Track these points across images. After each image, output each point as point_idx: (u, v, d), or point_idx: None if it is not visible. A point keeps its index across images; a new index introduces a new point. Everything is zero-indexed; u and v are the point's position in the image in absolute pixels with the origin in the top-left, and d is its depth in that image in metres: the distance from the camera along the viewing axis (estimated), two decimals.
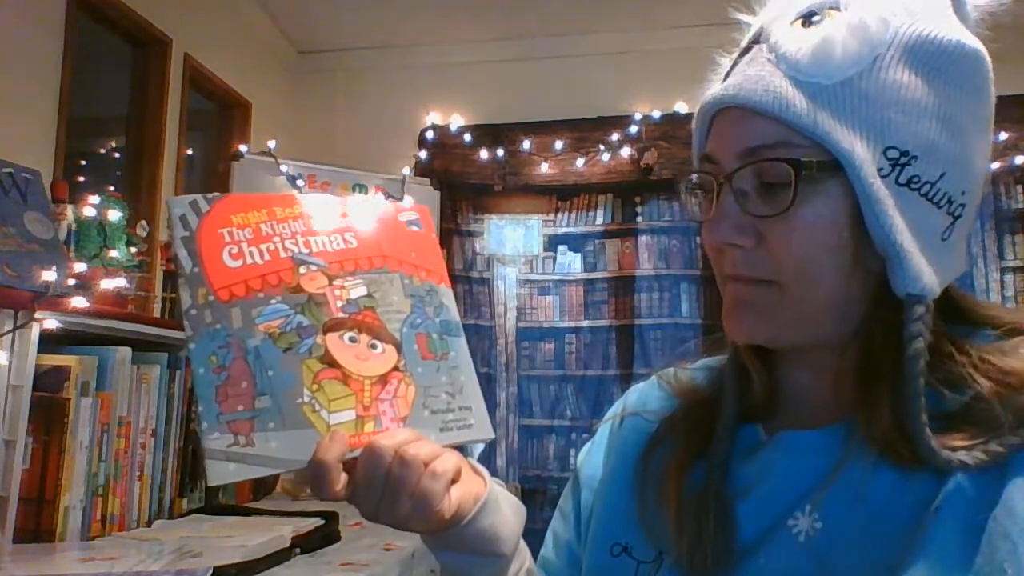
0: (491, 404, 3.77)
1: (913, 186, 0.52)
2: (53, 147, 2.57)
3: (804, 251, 0.53)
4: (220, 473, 0.50)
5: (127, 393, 1.36)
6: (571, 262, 3.93)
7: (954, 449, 0.50)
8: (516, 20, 3.92)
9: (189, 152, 3.31)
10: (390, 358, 0.57)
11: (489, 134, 3.93)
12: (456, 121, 3.90)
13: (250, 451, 0.51)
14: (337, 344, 0.55)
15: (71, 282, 1.36)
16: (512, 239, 3.92)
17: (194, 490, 1.62)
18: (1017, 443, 0.48)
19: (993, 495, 0.48)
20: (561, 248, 3.94)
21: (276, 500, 1.96)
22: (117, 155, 3.24)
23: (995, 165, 3.45)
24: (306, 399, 0.53)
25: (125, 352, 1.36)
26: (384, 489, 0.51)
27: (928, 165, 0.52)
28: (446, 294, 0.61)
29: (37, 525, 1.19)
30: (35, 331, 1.18)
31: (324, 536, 1.37)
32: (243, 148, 3.30)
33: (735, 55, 0.59)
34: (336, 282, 0.57)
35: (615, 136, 3.80)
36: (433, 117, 3.96)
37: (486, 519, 0.56)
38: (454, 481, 0.55)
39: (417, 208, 0.64)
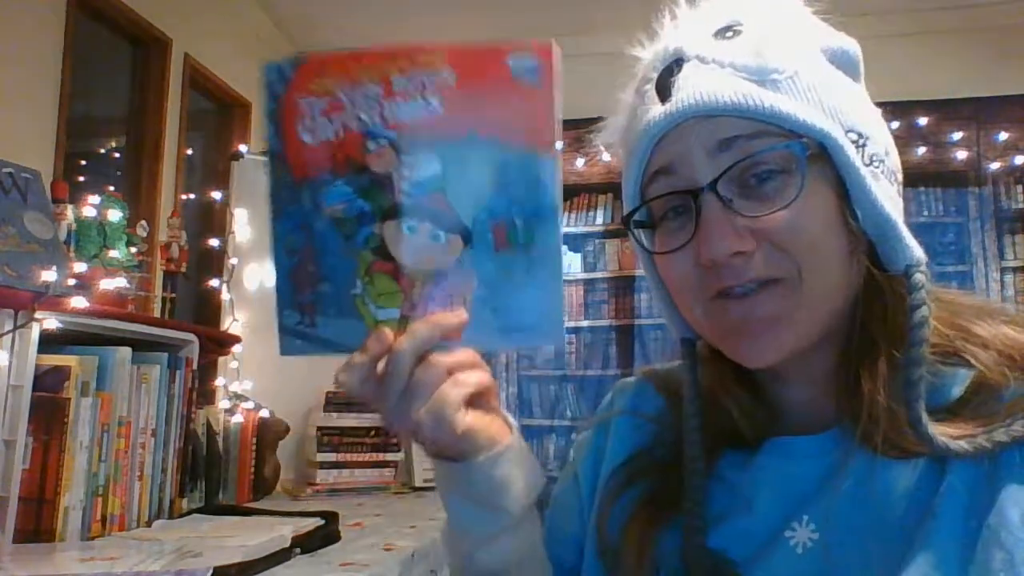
0: None
1: (875, 164, 0.53)
2: (53, 147, 2.56)
3: (812, 237, 0.51)
4: (289, 345, 0.53)
5: (127, 393, 1.36)
6: (571, 262, 3.93)
7: (952, 437, 0.49)
8: (516, 20, 3.92)
9: (189, 152, 3.30)
10: (454, 250, 0.51)
11: None
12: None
13: (313, 331, 0.53)
14: (393, 234, 0.51)
15: (71, 282, 1.36)
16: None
17: (194, 490, 1.62)
18: (1007, 440, 0.48)
19: (986, 496, 0.48)
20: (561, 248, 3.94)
21: (276, 500, 1.96)
22: (117, 155, 3.24)
23: (995, 165, 3.46)
24: (358, 290, 0.52)
25: (125, 352, 1.36)
26: (403, 392, 0.50)
27: (876, 144, 0.54)
28: (547, 166, 0.51)
29: (37, 525, 1.19)
30: (35, 331, 1.18)
31: (324, 536, 1.37)
32: (243, 148, 3.30)
33: (646, 83, 0.56)
34: (406, 158, 0.51)
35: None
36: None
37: (499, 469, 0.53)
38: (480, 405, 0.53)
39: (536, 48, 0.50)
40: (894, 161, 0.56)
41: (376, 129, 0.51)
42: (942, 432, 0.50)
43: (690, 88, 0.52)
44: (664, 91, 0.54)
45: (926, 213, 3.56)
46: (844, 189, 0.52)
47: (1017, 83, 3.38)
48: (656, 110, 0.54)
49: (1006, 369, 0.51)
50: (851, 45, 0.57)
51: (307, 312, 0.53)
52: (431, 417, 0.50)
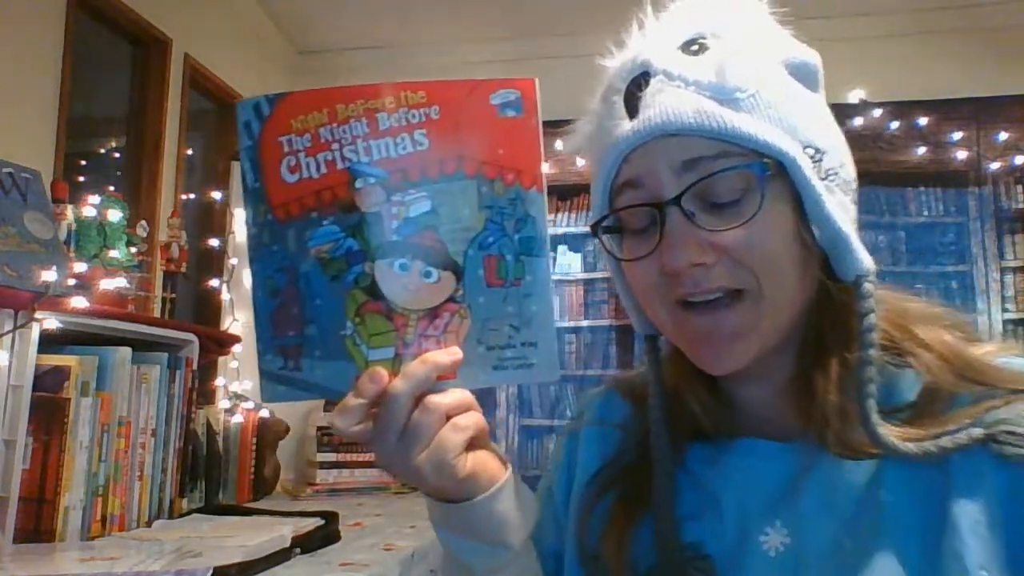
0: (491, 404, 3.77)
1: (830, 178, 0.56)
2: (53, 147, 2.56)
3: (770, 252, 0.54)
4: (271, 392, 0.52)
5: (127, 393, 1.36)
6: (571, 262, 3.92)
7: (901, 439, 0.52)
8: (516, 20, 3.92)
9: (189, 152, 3.30)
10: (445, 287, 0.51)
11: None
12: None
13: (297, 375, 0.51)
14: (385, 273, 0.50)
15: (71, 282, 1.37)
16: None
17: (194, 490, 1.62)
18: (951, 447, 0.51)
19: (936, 500, 0.51)
20: (561, 248, 3.94)
21: (276, 500, 1.96)
22: (117, 155, 3.23)
23: (995, 165, 3.45)
24: (348, 331, 0.51)
25: (125, 352, 1.36)
26: (401, 435, 0.49)
27: (831, 158, 0.56)
28: (535, 202, 0.52)
29: (37, 525, 1.19)
30: (35, 331, 1.18)
31: (324, 536, 1.37)
32: None
33: (614, 95, 0.58)
34: (395, 197, 0.50)
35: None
36: None
37: (500, 504, 0.53)
38: (474, 445, 0.53)
39: (517, 84, 0.53)
40: (849, 172, 0.58)
41: (363, 167, 0.50)
42: (891, 433, 0.52)
43: (656, 107, 0.54)
44: (632, 107, 0.56)
45: (926, 213, 3.56)
46: (800, 204, 0.55)
47: (1017, 83, 3.38)
48: (624, 127, 0.56)
49: (946, 373, 0.54)
50: (811, 57, 0.59)
51: (291, 356, 0.51)
52: (432, 464, 0.50)
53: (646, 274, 0.57)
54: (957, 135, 3.44)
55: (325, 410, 2.22)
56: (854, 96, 3.35)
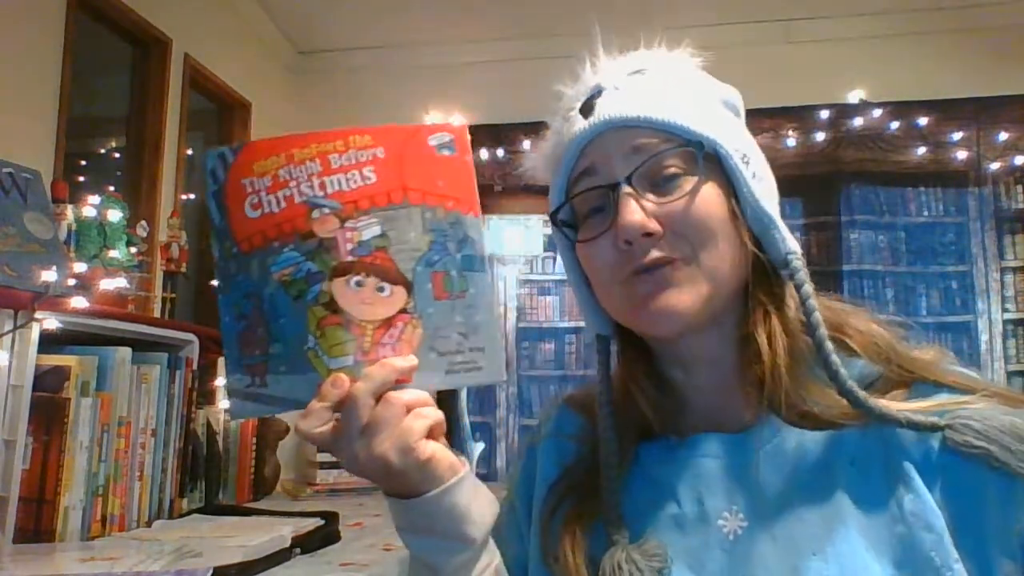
0: (491, 404, 3.76)
1: (757, 178, 0.64)
2: (53, 147, 2.56)
3: (707, 223, 0.61)
4: (240, 409, 0.56)
5: (127, 393, 1.36)
6: None
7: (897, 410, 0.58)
8: (516, 20, 3.92)
9: (189, 152, 3.30)
10: (397, 300, 0.56)
11: (489, 134, 3.92)
12: (456, 121, 3.90)
13: (263, 391, 0.55)
14: (342, 290, 0.56)
15: (71, 282, 1.37)
16: (512, 239, 3.92)
17: (194, 490, 1.62)
18: (924, 422, 0.56)
19: (890, 471, 0.57)
20: None
21: (276, 500, 1.96)
22: (117, 155, 3.23)
23: (995, 165, 3.46)
24: (311, 344, 0.55)
25: (125, 352, 1.36)
26: (364, 428, 0.54)
27: (757, 165, 0.65)
28: (473, 225, 0.59)
29: (37, 525, 1.19)
30: (35, 331, 1.18)
31: (324, 536, 1.37)
32: None
33: (571, 111, 0.67)
34: (348, 223, 0.56)
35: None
36: (433, 117, 3.96)
37: (460, 496, 0.57)
38: (432, 435, 0.57)
39: (451, 128, 0.61)
40: (772, 185, 0.66)
41: (319, 199, 0.57)
42: (884, 404, 0.57)
43: (608, 106, 0.64)
44: (587, 111, 0.66)
45: (926, 213, 3.56)
46: (732, 190, 0.63)
47: (1017, 83, 3.38)
48: (581, 124, 0.65)
49: (886, 362, 0.61)
50: (735, 96, 0.69)
51: (257, 373, 0.55)
52: (396, 448, 0.54)
53: (601, 252, 0.63)
54: (957, 135, 3.44)
55: None
56: (854, 96, 3.35)
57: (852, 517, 0.56)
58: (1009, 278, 3.50)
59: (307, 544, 1.30)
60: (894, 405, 0.57)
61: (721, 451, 0.62)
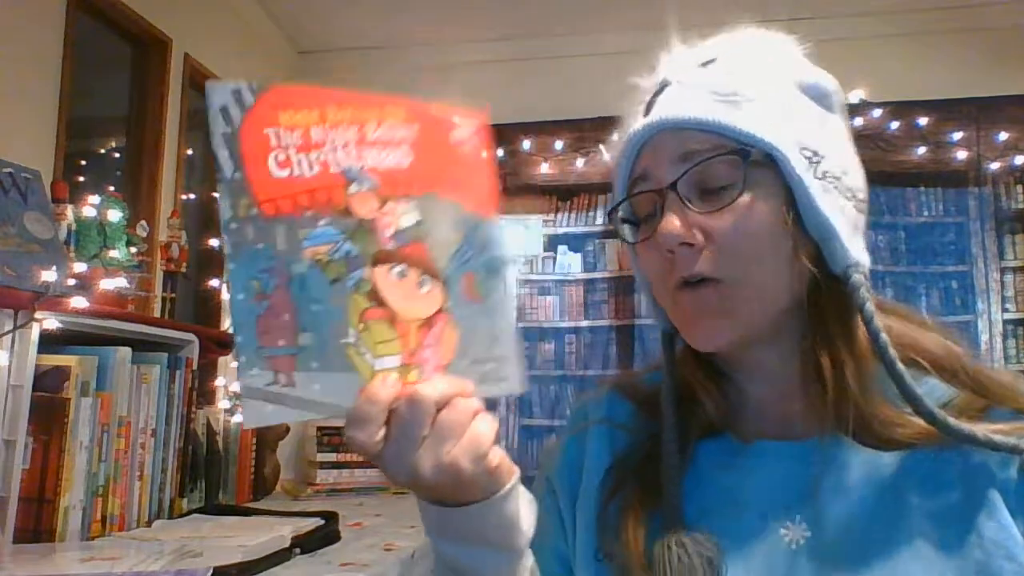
0: (491, 404, 3.75)
1: (828, 180, 0.59)
2: (53, 147, 2.57)
3: (751, 240, 0.58)
4: (257, 414, 0.45)
5: (127, 393, 1.36)
6: (571, 262, 3.93)
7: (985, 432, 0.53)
8: (516, 20, 3.92)
9: (189, 152, 3.30)
10: (436, 298, 0.51)
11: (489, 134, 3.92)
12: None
13: (290, 392, 0.46)
14: (386, 280, 0.49)
15: (71, 282, 1.36)
16: (512, 239, 3.92)
17: (194, 490, 1.62)
18: (1005, 445, 0.53)
19: (971, 490, 0.55)
20: (561, 248, 3.94)
21: (276, 500, 1.96)
22: (117, 155, 3.24)
23: (995, 165, 3.46)
24: (351, 339, 0.47)
25: (125, 352, 1.36)
26: (429, 435, 0.48)
27: (833, 163, 0.60)
28: (495, 228, 0.54)
29: (37, 525, 1.19)
30: (35, 331, 1.18)
31: (324, 536, 1.37)
32: None
33: (639, 107, 0.66)
34: (388, 206, 0.50)
35: (615, 136, 3.80)
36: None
37: (512, 503, 0.53)
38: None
39: (474, 122, 0.55)
40: (854, 181, 0.62)
41: (358, 172, 0.49)
42: (967, 426, 0.54)
43: (664, 105, 0.62)
44: (648, 109, 0.65)
45: (926, 213, 3.56)
46: (791, 197, 0.58)
47: (1017, 83, 3.38)
48: (637, 123, 0.63)
49: (950, 375, 0.59)
50: (826, 81, 0.64)
51: (281, 369, 0.46)
52: (469, 455, 0.49)
53: (652, 257, 0.62)
54: (957, 135, 3.44)
55: None
56: (854, 96, 3.35)
57: (923, 540, 0.54)
58: (1009, 278, 3.50)
59: (307, 544, 1.30)
60: (978, 428, 0.54)
61: (786, 460, 0.59)
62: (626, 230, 0.66)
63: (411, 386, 0.48)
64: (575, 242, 3.95)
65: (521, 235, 3.92)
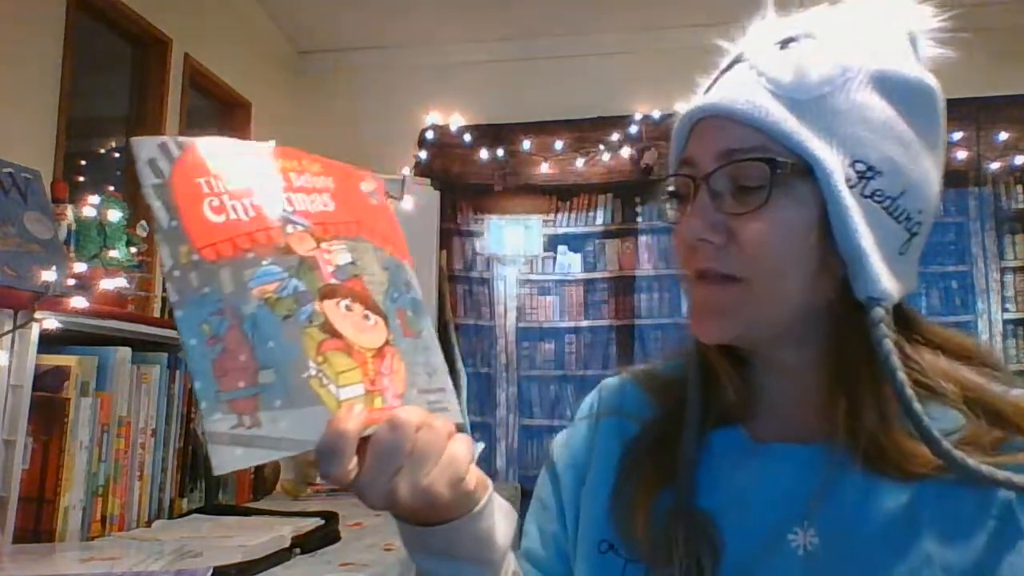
0: (491, 404, 3.77)
1: (877, 199, 0.56)
2: (53, 147, 2.57)
3: (772, 248, 0.56)
4: (227, 459, 0.44)
5: (127, 393, 1.36)
6: (571, 262, 3.93)
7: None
8: (516, 20, 3.93)
9: None
10: (382, 330, 0.52)
11: (489, 134, 3.93)
12: (456, 121, 3.90)
13: (257, 433, 0.44)
14: (336, 312, 0.49)
15: (71, 282, 1.36)
16: (512, 239, 3.92)
17: (194, 490, 1.62)
18: (1000, 480, 0.51)
19: (993, 531, 0.53)
20: (561, 248, 3.94)
21: (276, 500, 1.96)
22: (117, 155, 3.24)
23: (995, 165, 3.46)
24: (312, 372, 0.47)
25: (125, 352, 1.36)
26: (407, 459, 0.47)
27: (890, 181, 0.56)
28: (411, 273, 0.57)
29: (37, 525, 1.19)
30: (35, 331, 1.18)
31: (324, 536, 1.37)
32: None
33: (715, 74, 0.62)
34: (323, 245, 0.51)
35: (615, 136, 3.81)
36: (433, 117, 3.96)
37: (485, 520, 0.53)
38: None
39: (375, 178, 0.59)
40: (914, 202, 0.57)
41: (290, 215, 0.51)
42: (973, 460, 0.52)
43: (721, 89, 0.59)
44: (711, 86, 0.61)
45: None
46: (827, 211, 0.55)
47: (1017, 83, 3.38)
48: (692, 103, 0.60)
49: (975, 407, 0.56)
50: (917, 81, 0.59)
51: (244, 411, 0.44)
52: (447, 479, 0.48)
53: (680, 242, 0.60)
54: (957, 135, 3.44)
55: None
56: None
57: (939, 567, 0.52)
58: (1009, 278, 3.50)
59: (307, 544, 1.30)
60: (998, 472, 0.51)
61: (798, 464, 0.58)
62: (668, 207, 0.63)
63: (379, 412, 0.48)
64: (575, 242, 3.95)
65: (521, 235, 3.92)
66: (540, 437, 3.84)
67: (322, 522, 1.42)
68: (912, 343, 0.59)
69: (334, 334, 0.49)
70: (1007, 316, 3.45)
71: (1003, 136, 3.43)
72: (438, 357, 0.56)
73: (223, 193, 0.49)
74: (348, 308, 0.50)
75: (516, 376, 3.87)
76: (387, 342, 0.52)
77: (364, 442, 0.47)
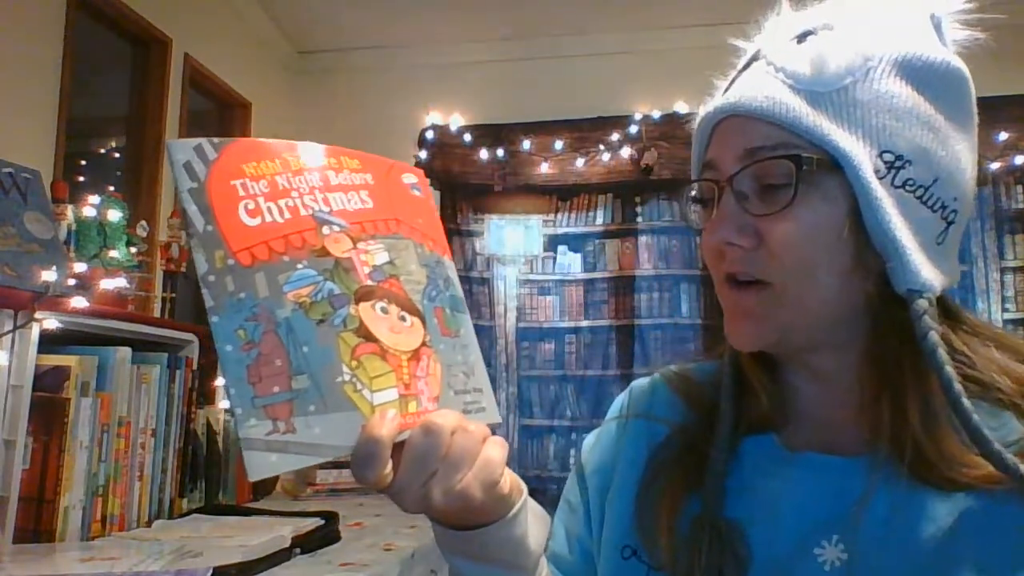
0: None
1: (908, 189, 0.54)
2: (53, 147, 2.57)
3: (802, 250, 0.54)
4: (262, 465, 0.44)
5: (127, 393, 1.36)
6: (571, 262, 3.92)
7: None
8: (516, 20, 3.93)
9: None
10: (418, 332, 0.51)
11: (489, 134, 3.93)
12: (456, 121, 3.90)
13: (292, 438, 0.45)
14: (371, 315, 0.49)
15: (71, 282, 1.37)
16: (512, 239, 3.92)
17: (194, 490, 1.62)
18: None
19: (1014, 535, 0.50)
20: (561, 248, 3.94)
21: (276, 500, 1.96)
22: (117, 155, 3.24)
23: (995, 165, 3.45)
24: (346, 377, 0.47)
25: (125, 352, 1.36)
26: (441, 464, 0.47)
27: (921, 170, 0.54)
28: (451, 267, 0.56)
29: (37, 525, 1.19)
30: (35, 331, 1.18)
31: (324, 536, 1.37)
32: None
33: (732, 74, 0.61)
34: (360, 245, 0.51)
35: (615, 136, 3.80)
36: (433, 117, 3.96)
37: (519, 526, 0.52)
38: None
39: (416, 171, 0.58)
40: (947, 190, 0.55)
41: (327, 215, 0.50)
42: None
43: (740, 87, 0.58)
44: (730, 85, 0.60)
45: None
46: (857, 205, 0.54)
47: (1017, 83, 3.38)
48: (711, 104, 0.59)
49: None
50: (944, 66, 0.56)
51: (279, 417, 0.45)
52: (481, 482, 0.48)
53: (708, 247, 0.59)
54: None
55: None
56: None
57: None
58: (1009, 278, 3.50)
59: (307, 544, 1.30)
60: None
61: (830, 475, 0.56)
62: (693, 212, 0.62)
63: (413, 416, 0.48)
64: (575, 242, 3.95)
65: (521, 235, 3.92)
66: (540, 437, 3.84)
67: (322, 522, 1.42)
68: (959, 333, 0.56)
69: (369, 338, 0.48)
70: (1007, 316, 3.45)
71: (1003, 136, 3.43)
72: (476, 354, 0.55)
73: (259, 195, 0.49)
74: (384, 310, 0.50)
75: (516, 376, 3.87)
76: (424, 343, 0.51)
77: (399, 447, 0.47)
